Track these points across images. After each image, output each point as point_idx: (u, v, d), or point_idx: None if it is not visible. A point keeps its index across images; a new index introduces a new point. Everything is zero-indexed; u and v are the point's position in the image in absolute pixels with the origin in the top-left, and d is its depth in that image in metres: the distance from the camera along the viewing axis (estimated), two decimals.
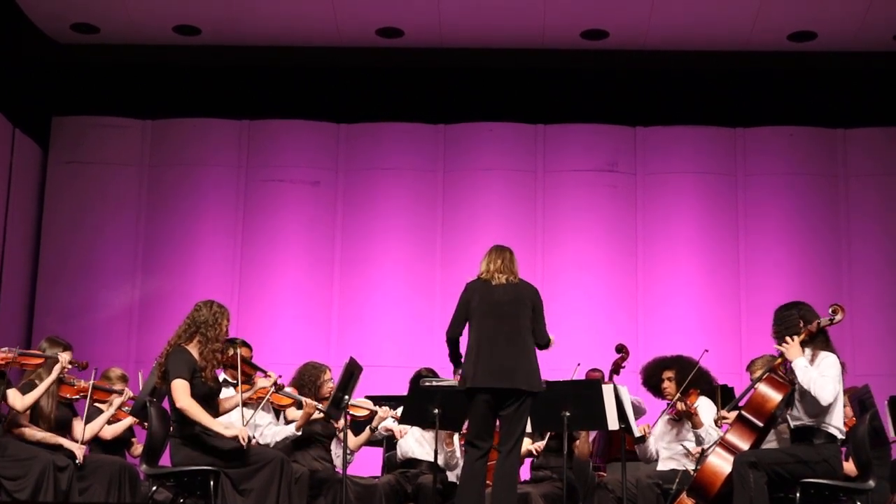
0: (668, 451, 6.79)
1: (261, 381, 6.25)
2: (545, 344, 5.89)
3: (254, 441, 6.42)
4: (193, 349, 5.76)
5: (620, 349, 7.58)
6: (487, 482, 5.84)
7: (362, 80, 9.84)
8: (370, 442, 7.13)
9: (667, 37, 9.25)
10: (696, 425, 6.59)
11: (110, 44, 9.52)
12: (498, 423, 5.79)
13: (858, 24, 8.88)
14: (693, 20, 8.99)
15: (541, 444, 6.76)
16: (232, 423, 5.85)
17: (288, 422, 6.66)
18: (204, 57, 9.65)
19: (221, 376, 6.28)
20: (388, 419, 6.82)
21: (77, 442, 6.26)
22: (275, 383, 6.30)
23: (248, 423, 6.35)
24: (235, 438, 5.63)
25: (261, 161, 9.75)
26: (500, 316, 5.71)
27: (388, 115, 9.81)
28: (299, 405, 6.53)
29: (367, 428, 6.86)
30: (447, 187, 9.71)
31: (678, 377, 6.80)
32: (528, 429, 6.37)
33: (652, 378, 6.98)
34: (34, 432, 6.04)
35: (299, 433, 6.47)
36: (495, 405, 5.67)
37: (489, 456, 5.75)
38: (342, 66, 9.72)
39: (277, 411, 6.76)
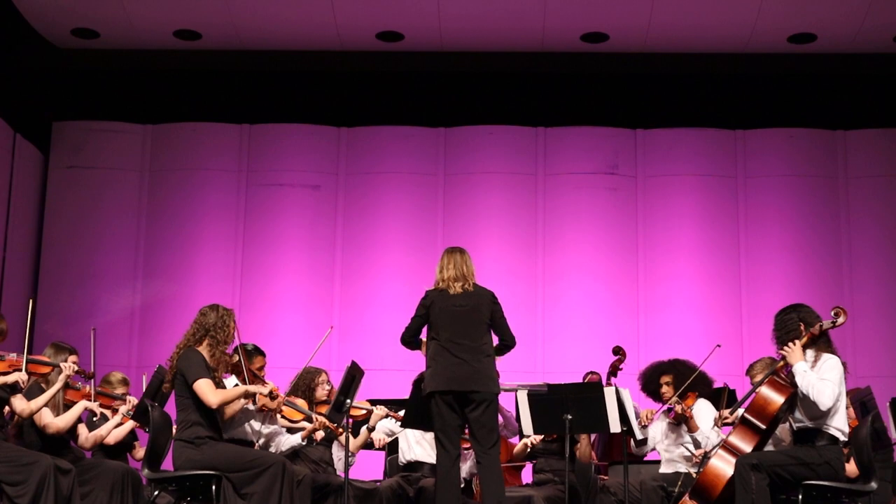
0: (668, 454, 6.79)
1: (261, 389, 6.28)
2: (512, 343, 6.14)
3: (256, 446, 6.44)
4: (203, 351, 5.80)
5: (617, 351, 7.58)
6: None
7: (363, 84, 9.85)
8: (372, 445, 7.12)
9: (667, 39, 9.26)
10: (692, 429, 6.59)
11: (111, 49, 9.53)
12: (469, 428, 5.99)
13: (858, 26, 8.88)
14: (693, 23, 9.00)
15: (536, 438, 6.76)
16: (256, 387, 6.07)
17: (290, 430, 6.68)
18: (204, 61, 9.66)
19: (232, 383, 6.29)
20: (387, 420, 6.84)
21: (83, 447, 6.35)
22: (271, 392, 6.30)
23: (259, 436, 6.38)
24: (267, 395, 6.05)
25: (261, 165, 9.75)
26: (459, 325, 5.95)
27: (388, 118, 9.82)
28: (309, 419, 6.55)
29: (364, 428, 6.87)
30: (448, 190, 9.72)
31: (676, 382, 6.81)
32: (530, 431, 6.41)
33: (650, 384, 6.99)
34: (57, 422, 6.07)
35: (304, 443, 6.51)
36: (458, 408, 5.89)
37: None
38: (342, 70, 9.73)
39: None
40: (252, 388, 6.00)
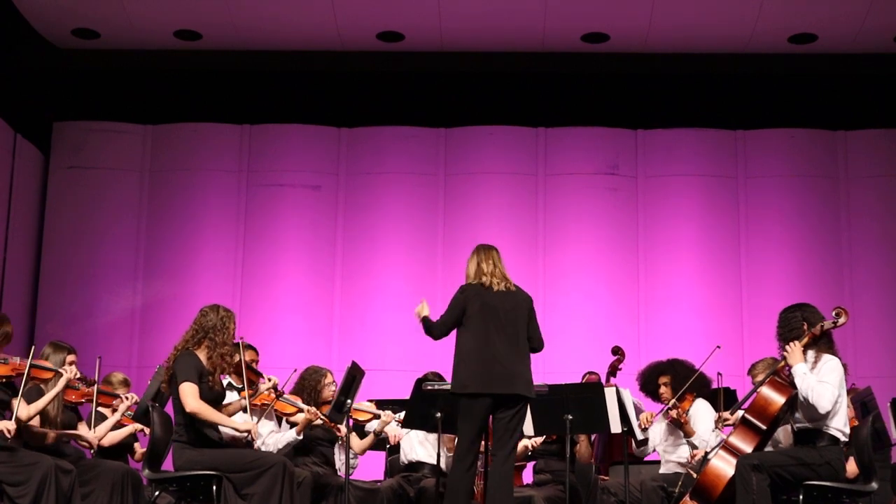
0: (668, 455, 6.79)
1: (262, 387, 6.29)
2: (541, 348, 5.97)
3: (255, 446, 6.43)
4: (201, 353, 5.77)
5: (616, 351, 7.57)
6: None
7: (363, 85, 9.85)
8: (376, 447, 7.10)
9: (667, 40, 9.26)
10: (687, 434, 6.57)
11: (111, 49, 9.53)
12: (490, 427, 5.79)
13: (858, 26, 8.88)
14: (693, 23, 9.00)
15: (538, 440, 6.75)
16: (247, 420, 5.89)
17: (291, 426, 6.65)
18: (204, 62, 9.66)
19: (226, 381, 6.28)
20: (391, 423, 6.83)
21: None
22: (275, 387, 6.30)
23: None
24: (248, 434, 5.77)
25: (261, 166, 9.75)
26: (501, 322, 5.74)
27: (389, 118, 9.83)
28: (301, 412, 6.53)
29: (372, 433, 6.85)
30: (448, 191, 9.72)
31: (674, 382, 6.79)
32: (531, 432, 6.40)
33: (648, 384, 6.97)
34: (49, 432, 6.06)
35: (300, 437, 6.47)
36: (492, 410, 5.68)
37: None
38: (343, 70, 9.73)
39: (279, 418, 6.75)
40: (249, 426, 5.78)
